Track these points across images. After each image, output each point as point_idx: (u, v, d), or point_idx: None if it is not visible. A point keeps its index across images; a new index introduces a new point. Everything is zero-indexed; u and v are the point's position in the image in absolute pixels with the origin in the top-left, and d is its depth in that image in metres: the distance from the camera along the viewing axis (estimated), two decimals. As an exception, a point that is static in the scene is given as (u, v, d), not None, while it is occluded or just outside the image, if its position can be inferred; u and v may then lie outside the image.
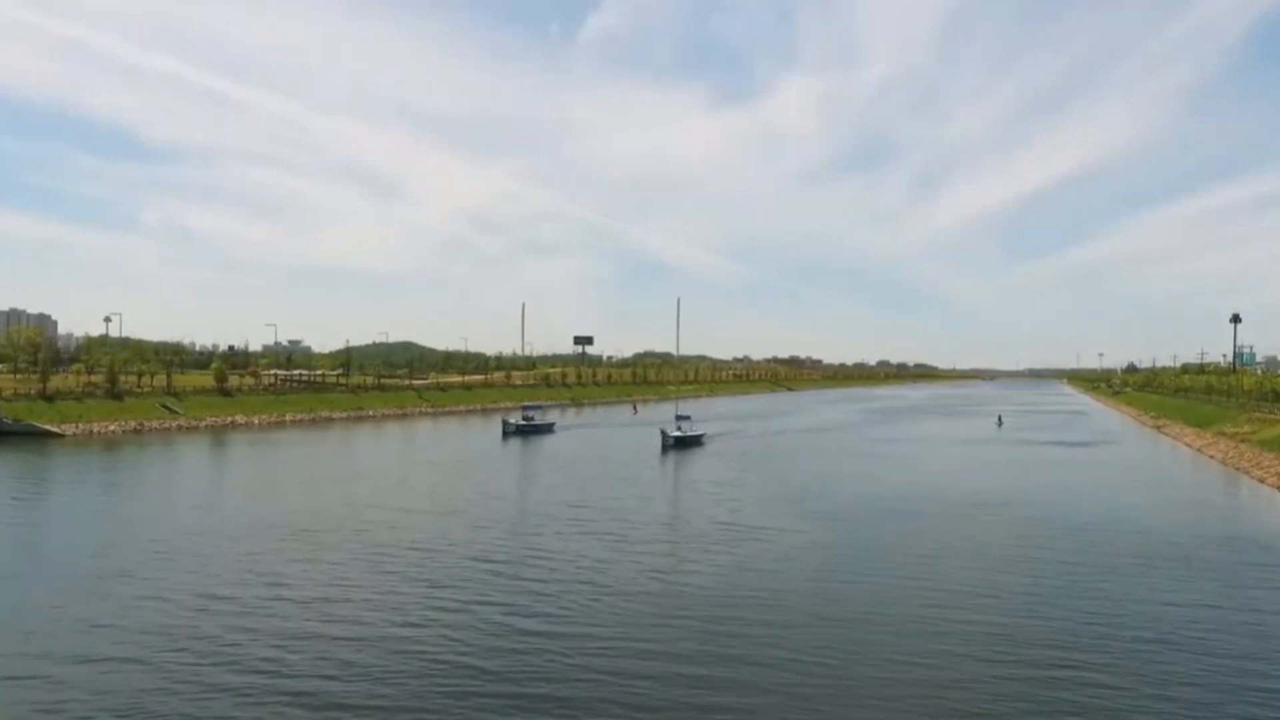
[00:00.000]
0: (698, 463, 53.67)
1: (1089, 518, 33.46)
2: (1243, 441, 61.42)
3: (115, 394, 76.24)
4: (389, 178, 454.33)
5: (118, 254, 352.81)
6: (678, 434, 63.04)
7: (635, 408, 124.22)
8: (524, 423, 76.06)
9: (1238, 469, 52.18)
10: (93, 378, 78.86)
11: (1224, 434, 68.36)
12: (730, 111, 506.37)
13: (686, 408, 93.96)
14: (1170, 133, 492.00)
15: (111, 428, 69.13)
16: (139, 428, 70.97)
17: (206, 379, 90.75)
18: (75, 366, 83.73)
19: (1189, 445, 69.93)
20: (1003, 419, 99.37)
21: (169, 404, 78.50)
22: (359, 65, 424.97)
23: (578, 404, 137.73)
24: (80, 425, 67.43)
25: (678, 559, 26.06)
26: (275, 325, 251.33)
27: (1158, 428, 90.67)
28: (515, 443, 66.78)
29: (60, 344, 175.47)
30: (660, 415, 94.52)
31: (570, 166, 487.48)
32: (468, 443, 68.86)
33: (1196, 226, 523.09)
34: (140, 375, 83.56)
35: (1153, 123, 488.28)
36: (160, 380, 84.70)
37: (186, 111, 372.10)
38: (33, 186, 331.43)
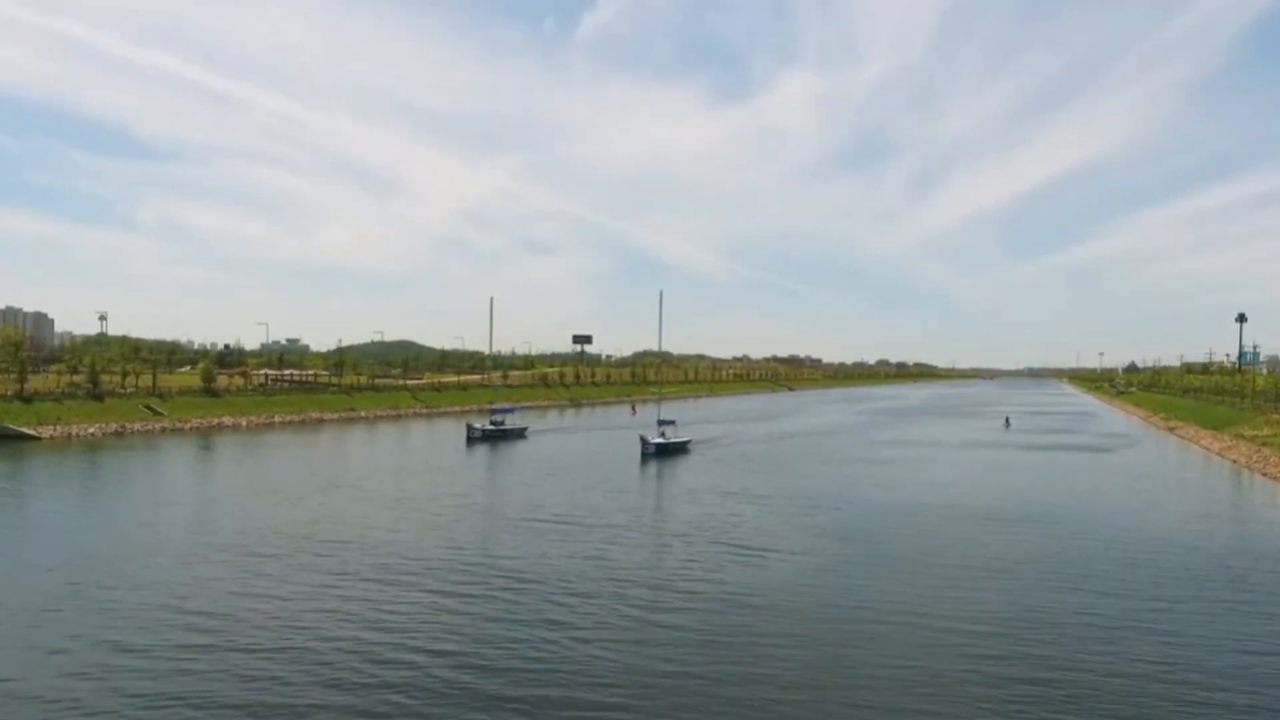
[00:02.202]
0: (682, 473, 48.93)
1: (1124, 534, 30.98)
2: (1264, 445, 59.20)
3: (96, 395, 73.76)
4: (387, 176, 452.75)
5: (116, 252, 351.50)
6: (659, 441, 58.00)
7: (634, 408, 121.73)
8: (491, 428, 69.84)
9: (1264, 474, 49.95)
10: (75, 378, 76.44)
11: (1242, 437, 66.18)
12: (729, 109, 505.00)
13: (681, 410, 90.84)
14: (1170, 130, 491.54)
15: (91, 430, 66.67)
16: (120, 430, 68.50)
17: (194, 379, 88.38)
18: (56, 366, 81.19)
19: (1206, 449, 67.70)
20: (1010, 420, 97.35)
21: (153, 405, 76.04)
22: (357, 63, 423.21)
23: (576, 404, 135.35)
24: (58, 427, 64.96)
25: (652, 597, 21.95)
26: (266, 324, 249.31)
27: (1170, 429, 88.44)
28: (481, 450, 60.89)
29: (57, 342, 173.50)
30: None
31: (569, 164, 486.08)
32: (431, 450, 63.12)
33: (1196, 225, 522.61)
34: (125, 375, 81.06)
35: (1152, 120, 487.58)
36: (146, 380, 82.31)
37: (184, 109, 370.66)
38: (30, 184, 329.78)
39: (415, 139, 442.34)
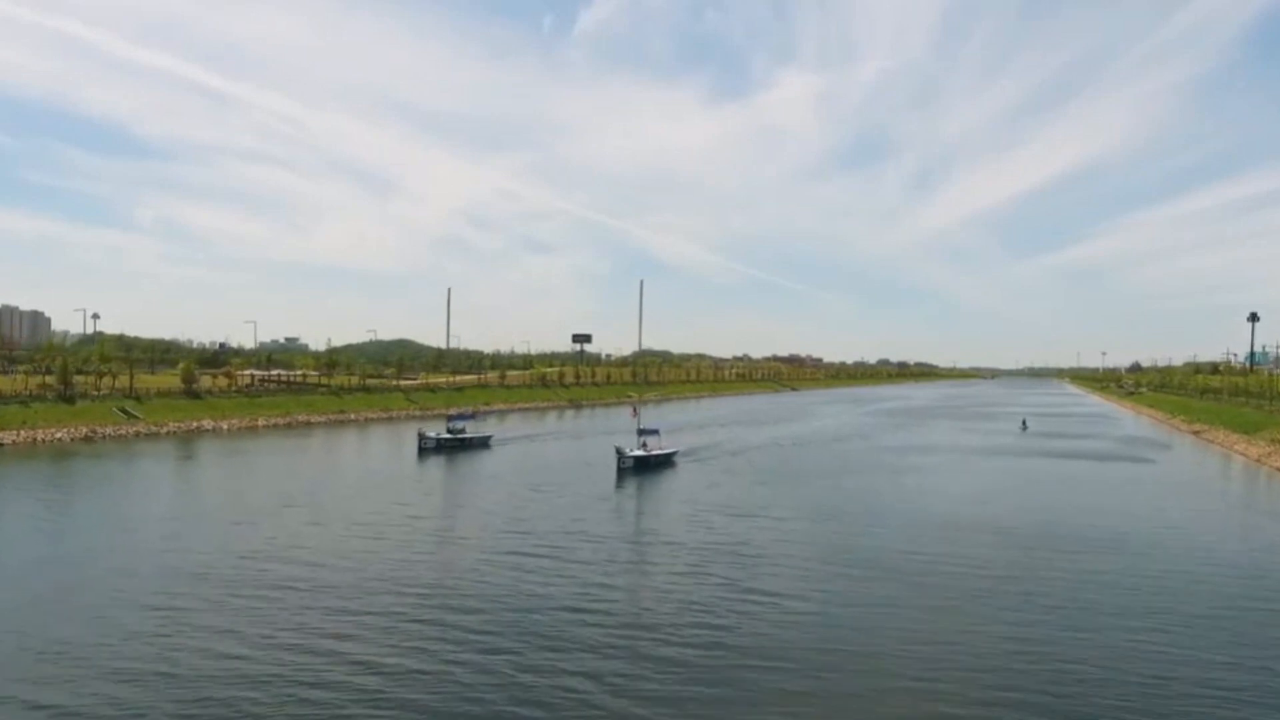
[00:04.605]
0: (667, 493, 42.29)
1: (1208, 565, 26.97)
2: (1309, 452, 55.47)
3: (67, 397, 69.79)
4: (386, 175, 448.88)
5: (115, 251, 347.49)
6: (638, 453, 50.72)
7: (635, 410, 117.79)
8: (448, 436, 61.64)
9: (1321, 486, 46.32)
10: (47, 379, 72.48)
11: (1279, 441, 62.37)
12: (728, 108, 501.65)
13: (681, 411, 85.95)
14: (1170, 130, 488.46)
15: (59, 435, 62.65)
16: (90, 434, 64.46)
17: (175, 379, 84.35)
18: (23, 367, 77.11)
19: (1243, 455, 63.84)
20: (1026, 423, 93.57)
21: (127, 408, 72.03)
22: (356, 63, 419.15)
23: (575, 405, 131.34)
24: (22, 432, 60.97)
25: (634, 673, 17.05)
26: (255, 322, 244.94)
27: (1195, 433, 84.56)
28: (434, 464, 53.22)
29: (55, 341, 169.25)
30: (660, 420, 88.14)
31: (569, 164, 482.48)
32: (383, 460, 57.13)
33: (1196, 225, 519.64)
34: (100, 375, 77.04)
35: (1152, 120, 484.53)
36: (124, 381, 78.30)
37: (183, 109, 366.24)
38: (28, 183, 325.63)
39: (414, 139, 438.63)
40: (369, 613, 20.83)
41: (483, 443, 64.59)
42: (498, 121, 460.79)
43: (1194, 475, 53.88)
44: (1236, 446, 68.12)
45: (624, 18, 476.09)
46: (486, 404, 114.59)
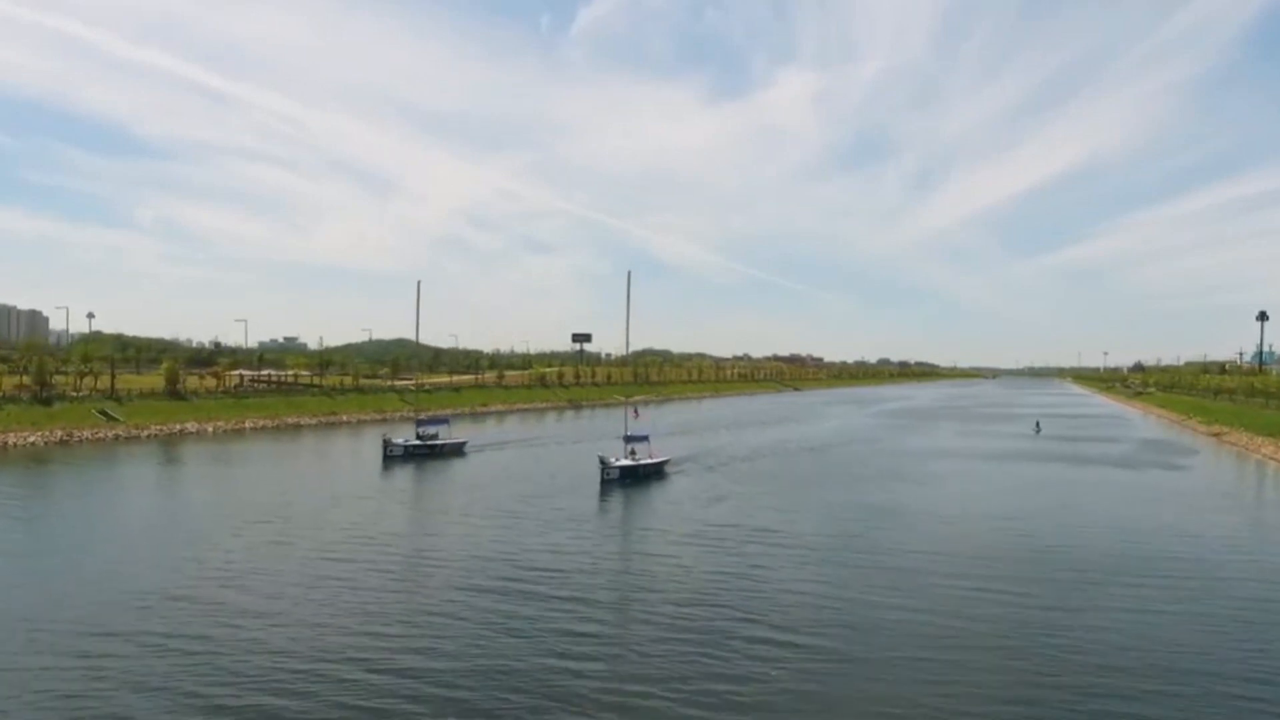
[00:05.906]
0: (656, 510, 37.58)
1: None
2: (1347, 458, 52.61)
3: (44, 399, 66.87)
4: (386, 175, 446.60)
5: (114, 251, 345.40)
6: (625, 463, 46.14)
7: (636, 411, 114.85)
8: (417, 443, 57.18)
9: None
10: (24, 379, 69.58)
11: (1309, 446, 59.65)
12: (728, 107, 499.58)
13: (681, 413, 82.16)
14: (1170, 130, 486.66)
15: (32, 439, 59.72)
16: (66, 438, 61.54)
17: (159, 379, 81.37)
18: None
19: (1273, 459, 60.96)
20: (1040, 425, 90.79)
21: (108, 410, 69.09)
22: (356, 63, 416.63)
23: (575, 406, 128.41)
24: (-6, 436, 58.17)
25: None
26: (245, 321, 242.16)
27: (1216, 436, 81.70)
28: (402, 472, 49.34)
29: (54, 340, 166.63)
30: (661, 422, 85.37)
31: (569, 163, 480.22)
32: (352, 469, 52.84)
33: (1196, 225, 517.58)
34: (81, 376, 74.13)
35: (1152, 120, 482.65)
36: (105, 381, 75.37)
37: (182, 108, 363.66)
38: (28, 183, 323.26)
39: (415, 139, 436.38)
40: (310, 665, 17.91)
41: (456, 449, 59.41)
42: (498, 121, 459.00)
43: (1233, 483, 51.07)
44: (1264, 450, 65.24)
45: (623, 16, 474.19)
46: (484, 405, 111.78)
